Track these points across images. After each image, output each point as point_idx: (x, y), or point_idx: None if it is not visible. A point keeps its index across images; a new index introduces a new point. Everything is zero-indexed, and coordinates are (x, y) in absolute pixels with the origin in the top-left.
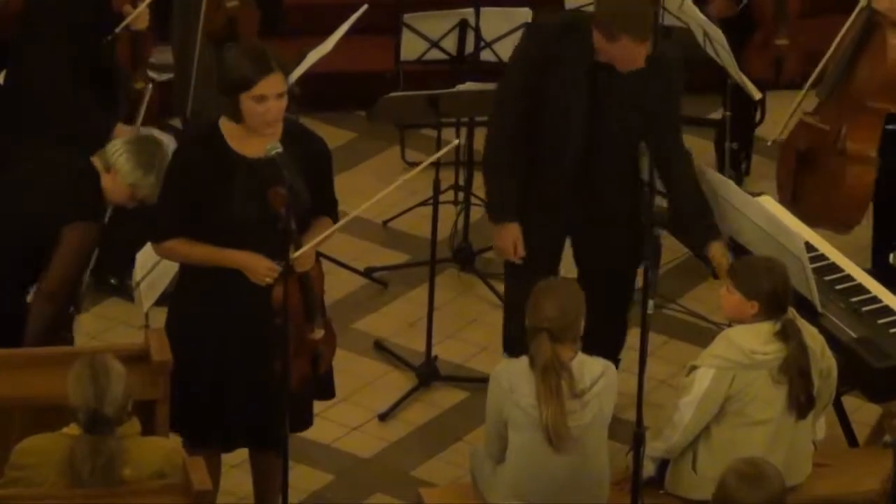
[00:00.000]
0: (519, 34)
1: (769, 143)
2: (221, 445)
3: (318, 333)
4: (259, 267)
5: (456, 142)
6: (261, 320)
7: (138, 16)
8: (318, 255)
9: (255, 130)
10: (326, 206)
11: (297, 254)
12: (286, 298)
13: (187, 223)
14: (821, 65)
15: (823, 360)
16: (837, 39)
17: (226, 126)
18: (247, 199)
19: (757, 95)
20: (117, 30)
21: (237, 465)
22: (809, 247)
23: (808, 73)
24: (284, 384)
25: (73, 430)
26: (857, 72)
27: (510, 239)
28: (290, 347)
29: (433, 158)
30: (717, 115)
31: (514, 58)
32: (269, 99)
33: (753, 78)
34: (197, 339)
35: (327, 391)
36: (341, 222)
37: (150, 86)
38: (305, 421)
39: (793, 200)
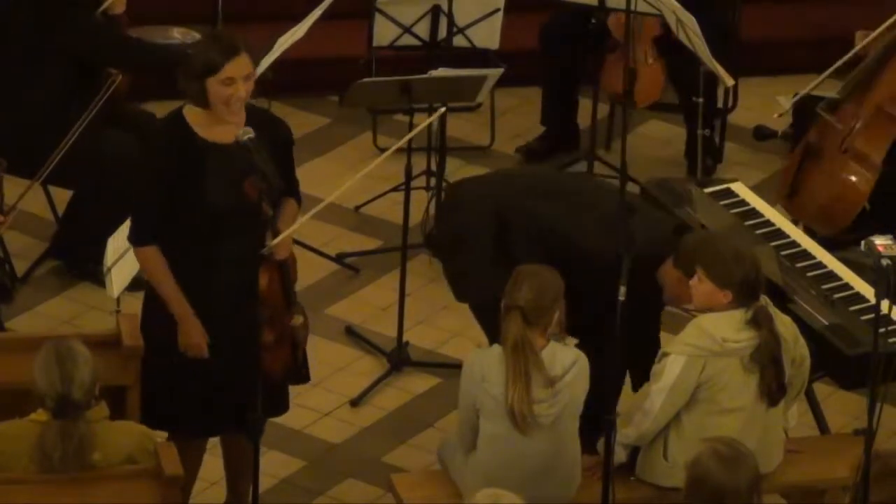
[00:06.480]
0: (491, 20)
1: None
2: (209, 432)
3: (298, 320)
4: (192, 338)
5: (443, 109)
6: (244, 307)
7: (115, 1)
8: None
9: (221, 115)
10: (289, 188)
11: (276, 241)
12: (256, 284)
13: (165, 223)
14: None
15: (796, 349)
16: (868, 40)
17: (190, 113)
18: (220, 187)
19: (729, 82)
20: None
21: (208, 451)
22: (781, 234)
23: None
24: (259, 369)
25: (40, 415)
26: (884, 77)
27: None
28: (270, 335)
29: (414, 134)
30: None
31: None
32: (237, 81)
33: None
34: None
35: (303, 375)
36: (316, 208)
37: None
38: (285, 405)
39: (790, 194)
